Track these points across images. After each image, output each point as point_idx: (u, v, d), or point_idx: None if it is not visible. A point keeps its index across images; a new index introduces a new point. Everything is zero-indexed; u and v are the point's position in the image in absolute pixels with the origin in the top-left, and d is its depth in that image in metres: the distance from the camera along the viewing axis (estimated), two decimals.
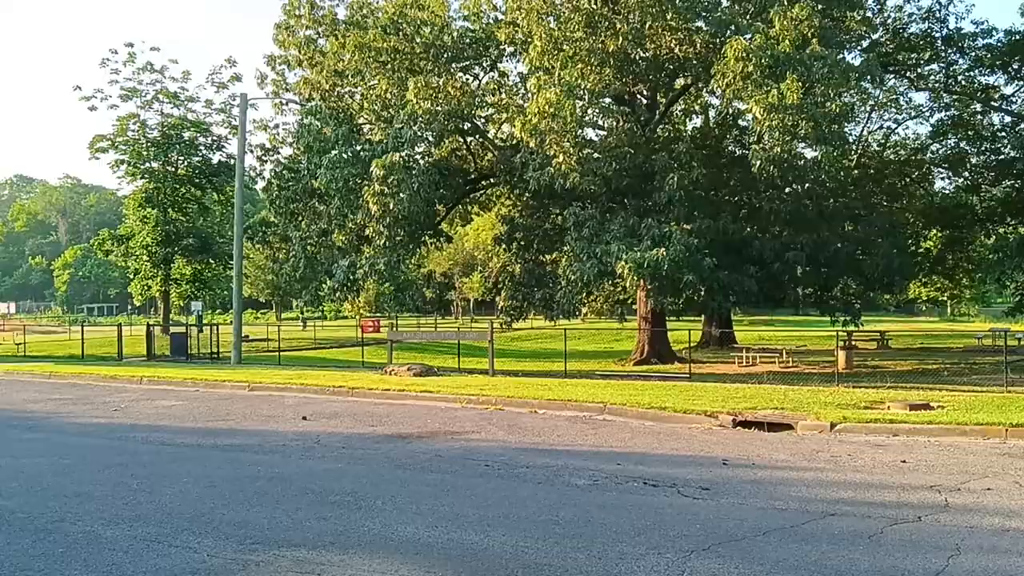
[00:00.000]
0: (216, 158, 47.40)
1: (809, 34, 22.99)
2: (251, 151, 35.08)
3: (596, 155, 25.75)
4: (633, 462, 10.55)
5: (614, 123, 30.25)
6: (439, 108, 26.64)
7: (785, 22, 22.66)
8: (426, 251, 43.71)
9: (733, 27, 23.94)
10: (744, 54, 22.25)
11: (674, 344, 33.62)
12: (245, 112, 32.03)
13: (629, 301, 39.80)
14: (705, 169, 26.62)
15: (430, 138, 28.17)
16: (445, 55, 28.60)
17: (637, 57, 27.72)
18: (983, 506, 8.00)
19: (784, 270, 27.22)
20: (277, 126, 37.73)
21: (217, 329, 33.64)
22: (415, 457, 11.09)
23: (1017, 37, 31.77)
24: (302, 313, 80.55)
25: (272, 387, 20.47)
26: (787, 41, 22.47)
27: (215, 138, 47.36)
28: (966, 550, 6.53)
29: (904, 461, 10.45)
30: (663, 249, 22.20)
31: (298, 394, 19.27)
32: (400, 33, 28.36)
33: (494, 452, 11.33)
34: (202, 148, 47.23)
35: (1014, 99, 34.05)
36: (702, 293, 25.97)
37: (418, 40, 28.36)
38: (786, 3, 23.41)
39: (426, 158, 30.08)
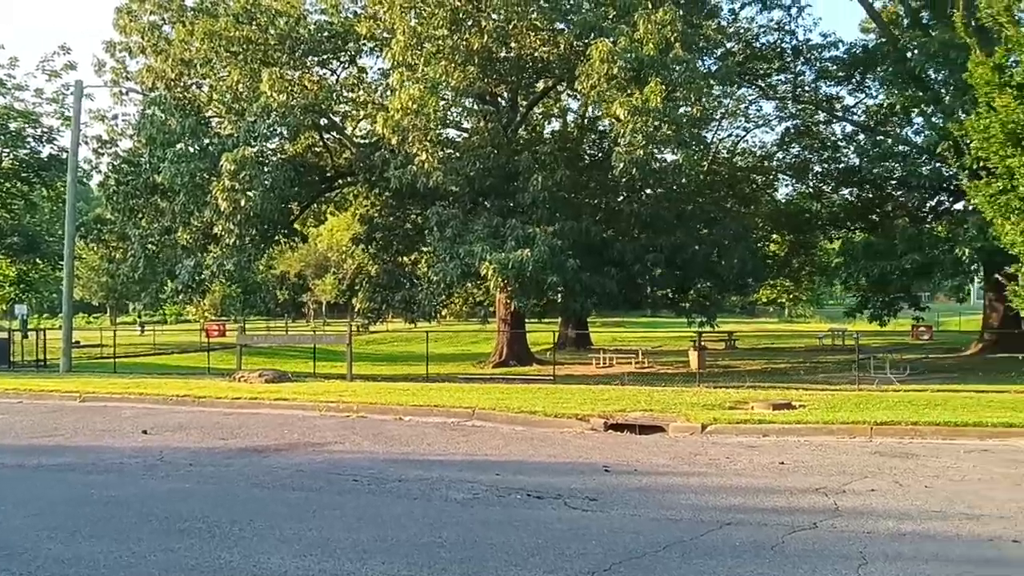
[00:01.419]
0: (46, 151, 43.71)
1: (672, 38, 23.21)
2: (86, 143, 32.54)
3: (459, 154, 25.19)
4: (512, 471, 9.99)
5: (477, 123, 29.79)
6: (295, 102, 25.34)
7: (649, 25, 22.77)
8: (279, 251, 41.94)
9: (597, 29, 23.88)
10: (609, 56, 22.21)
11: (532, 346, 33.49)
12: (80, 100, 29.50)
13: (487, 303, 39.46)
14: (568, 171, 26.50)
15: (285, 133, 26.77)
16: (302, 47, 27.34)
17: (501, 56, 27.39)
18: (872, 509, 7.88)
19: (643, 272, 27.49)
20: (116, 117, 35.26)
21: (44, 334, 30.88)
22: (273, 473, 10.13)
23: (858, 51, 33.40)
24: (139, 317, 76.02)
25: (107, 397, 18.67)
26: (651, 44, 22.58)
27: (45, 129, 43.70)
28: (872, 558, 6.30)
29: (782, 463, 10.35)
30: (528, 250, 21.85)
31: (137, 405, 17.65)
32: (253, 23, 26.88)
33: (361, 465, 10.51)
34: (31, 140, 43.55)
35: (855, 110, 35.82)
36: (564, 294, 25.84)
37: (272, 31, 26.97)
38: (650, 7, 23.58)
39: (280, 154, 28.69)
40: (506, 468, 10.23)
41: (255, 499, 8.74)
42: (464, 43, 25.12)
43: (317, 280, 75.04)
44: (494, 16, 25.43)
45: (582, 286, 24.60)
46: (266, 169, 24.92)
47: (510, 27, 25.64)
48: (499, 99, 30.30)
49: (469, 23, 25.23)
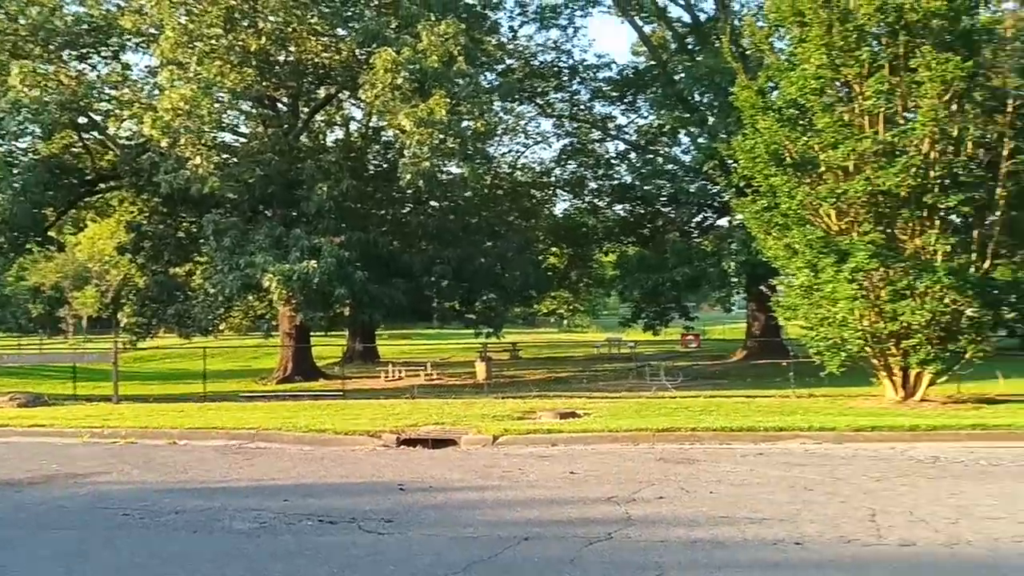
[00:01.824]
0: None
1: (456, 52, 23.31)
2: None
3: (237, 160, 24.00)
4: (301, 495, 9.44)
5: (256, 127, 28.58)
6: (50, 98, 23.17)
7: (433, 37, 22.76)
8: (31, 261, 38.25)
9: (381, 38, 23.57)
10: (393, 66, 21.97)
11: (318, 360, 32.52)
12: None
13: (269, 316, 37.93)
14: (354, 181, 25.94)
15: (38, 131, 24.43)
16: (57, 40, 25.08)
17: (281, 60, 26.44)
18: (663, 517, 8.06)
19: (431, 283, 27.41)
20: None
21: None
22: (29, 510, 9.01)
23: (629, 72, 35.16)
24: None
25: None
26: (435, 56, 22.56)
27: None
28: (668, 567, 6.38)
29: (573, 472, 10.45)
30: (314, 261, 21.15)
31: None
32: (2, 11, 24.39)
33: (132, 497, 9.56)
34: None
35: (627, 129, 37.64)
36: (352, 307, 25.24)
37: (23, 21, 24.59)
38: (433, 19, 23.57)
39: (32, 154, 26.16)
40: (295, 492, 9.66)
41: (9, 542, 7.68)
42: (240, 44, 24.05)
43: (76, 293, 69.22)
44: (272, 18, 24.53)
45: (370, 298, 24.14)
46: (15, 171, 22.67)
47: (289, 30, 24.82)
48: (279, 104, 29.23)
49: (245, 23, 24.17)
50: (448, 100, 21.92)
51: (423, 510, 8.60)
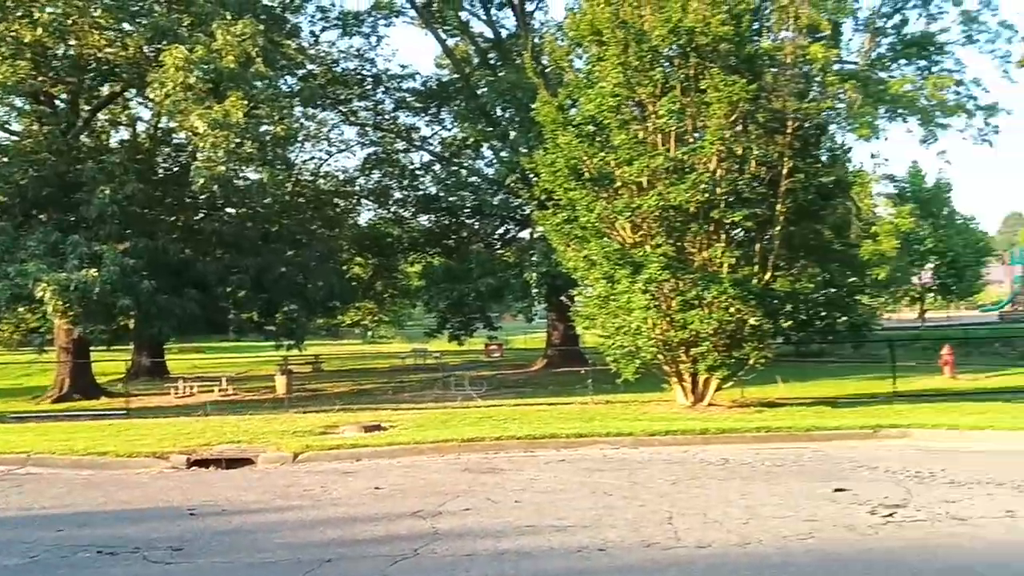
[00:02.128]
0: None
1: (253, 53, 22.40)
2: None
3: (7, 159, 21.93)
4: (78, 525, 8.62)
5: (30, 125, 26.25)
6: None
7: (229, 37, 21.74)
8: None
9: (171, 35, 22.27)
10: (186, 64, 20.80)
11: (100, 377, 30.23)
12: None
13: (44, 330, 34.91)
14: (141, 184, 24.30)
15: None
16: None
17: (59, 54, 24.45)
18: (470, 529, 7.96)
19: (227, 294, 26.15)
20: None
21: None
22: None
23: (433, 84, 35.20)
24: None
25: None
26: (231, 56, 21.59)
27: None
28: None
29: (378, 488, 10.19)
30: (94, 270, 19.59)
31: None
32: None
33: None
34: None
35: (432, 141, 37.59)
36: (138, 319, 23.59)
37: None
38: (229, 17, 22.57)
39: None
40: (72, 521, 8.82)
41: None
42: (13, 34, 22.02)
43: None
44: (50, 8, 22.63)
45: (159, 309, 22.64)
46: None
47: (69, 22, 22.98)
48: (56, 100, 26.99)
49: (19, 13, 22.17)
50: (245, 102, 21.01)
51: (216, 536, 8.07)
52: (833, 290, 18.20)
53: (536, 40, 27.62)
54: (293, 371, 31.95)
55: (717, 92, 15.39)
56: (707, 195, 15.78)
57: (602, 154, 16.55)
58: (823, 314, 18.08)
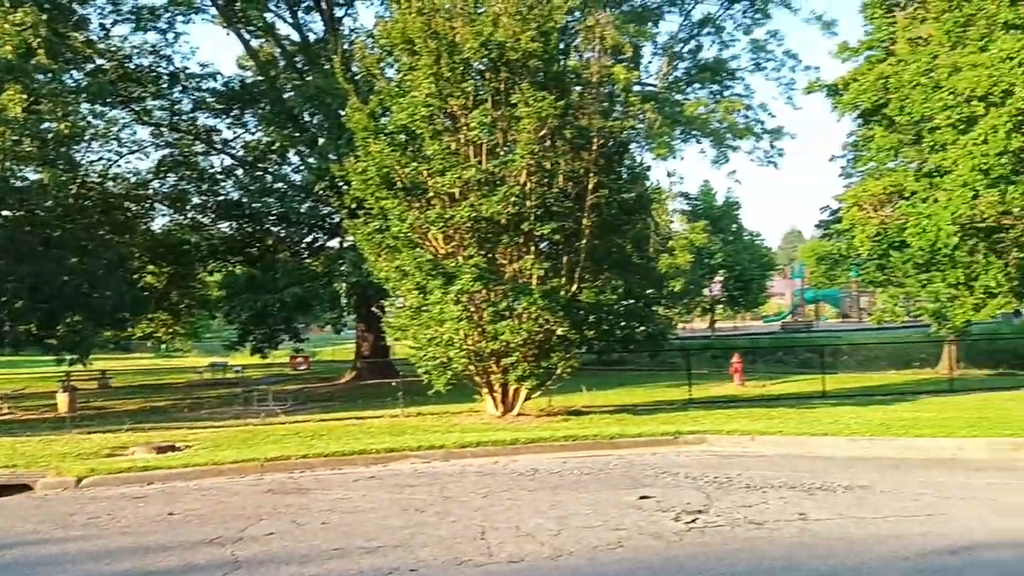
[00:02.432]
0: None
1: (34, 44, 20.70)
2: None
3: None
4: None
5: None
6: None
7: (7, 25, 20.01)
8: None
9: None
10: None
11: None
12: None
13: None
14: None
15: None
16: None
17: None
18: (273, 555, 7.52)
19: (2, 304, 23.85)
20: None
21: None
22: None
23: (236, 85, 33.73)
24: None
25: None
26: (9, 47, 19.84)
27: None
28: None
29: (172, 513, 9.49)
30: None
31: None
32: None
33: None
34: None
35: (234, 144, 36.01)
36: None
37: None
38: (7, 5, 20.74)
39: None
40: None
41: None
42: None
43: None
44: None
45: None
46: None
47: None
48: None
49: None
50: (25, 96, 19.34)
51: None
52: (633, 302, 18.87)
53: (346, 46, 27.11)
54: (77, 388, 29.60)
55: (527, 107, 15.58)
56: (517, 208, 15.94)
57: (415, 164, 16.37)
58: (623, 324, 18.67)
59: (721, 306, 63.78)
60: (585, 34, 17.49)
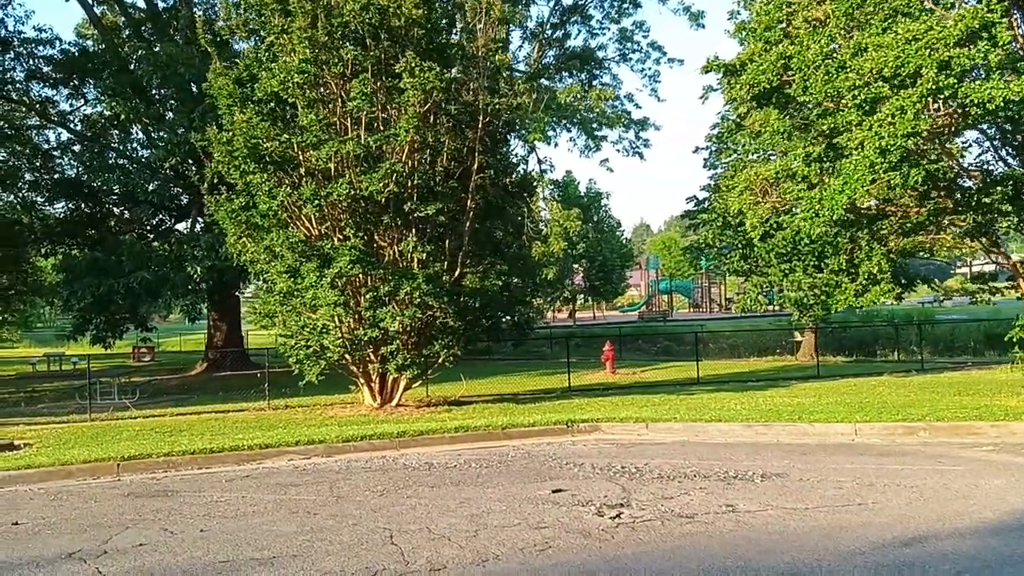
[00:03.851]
0: None
1: None
2: None
3: None
4: None
5: None
6: None
7: None
8: None
9: None
10: None
11: None
12: None
13: None
14: None
15: None
16: None
17: None
18: (149, 570, 6.39)
19: None
20: None
21: None
22: None
23: (75, 53, 30.98)
24: None
25: None
26: None
27: None
28: None
29: (17, 523, 8.15)
30: None
31: None
32: None
33: None
34: None
35: (72, 117, 33.15)
36: None
37: None
38: None
39: None
40: None
41: None
42: None
43: None
44: None
45: None
46: None
47: None
48: None
49: None
50: None
51: None
52: (506, 290, 18.17)
53: (205, 12, 25.21)
54: None
55: (412, 78, 14.64)
56: (400, 187, 15.00)
57: (286, 135, 15.13)
58: (488, 313, 17.85)
59: (582, 296, 64.45)
60: (471, 4, 16.68)
